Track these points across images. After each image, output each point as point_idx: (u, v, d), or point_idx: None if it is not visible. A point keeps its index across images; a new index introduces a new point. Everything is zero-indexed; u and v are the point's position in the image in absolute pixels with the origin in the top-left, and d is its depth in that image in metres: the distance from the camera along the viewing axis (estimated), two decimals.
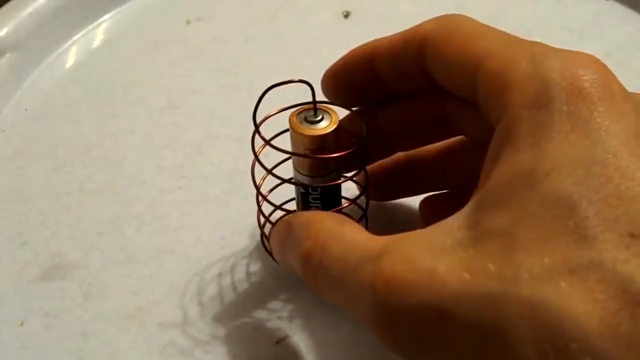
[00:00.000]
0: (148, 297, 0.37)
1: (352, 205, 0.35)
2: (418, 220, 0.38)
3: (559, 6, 0.50)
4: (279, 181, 0.34)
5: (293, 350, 0.35)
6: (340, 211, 0.36)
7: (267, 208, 0.36)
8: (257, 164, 0.34)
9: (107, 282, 0.37)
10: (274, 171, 0.34)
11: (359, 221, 0.36)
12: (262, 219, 0.36)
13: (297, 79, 0.32)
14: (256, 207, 0.36)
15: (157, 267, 0.38)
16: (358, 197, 0.35)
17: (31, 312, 0.36)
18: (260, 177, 0.35)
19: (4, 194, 0.42)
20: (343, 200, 0.35)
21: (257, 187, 0.35)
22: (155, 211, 0.40)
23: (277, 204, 0.35)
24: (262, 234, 0.37)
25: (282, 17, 0.51)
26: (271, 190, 0.35)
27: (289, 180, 0.34)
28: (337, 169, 0.34)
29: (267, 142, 0.33)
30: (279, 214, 0.36)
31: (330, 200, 0.35)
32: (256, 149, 0.33)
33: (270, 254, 0.37)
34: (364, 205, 0.36)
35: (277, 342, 0.35)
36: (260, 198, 0.35)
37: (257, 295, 0.37)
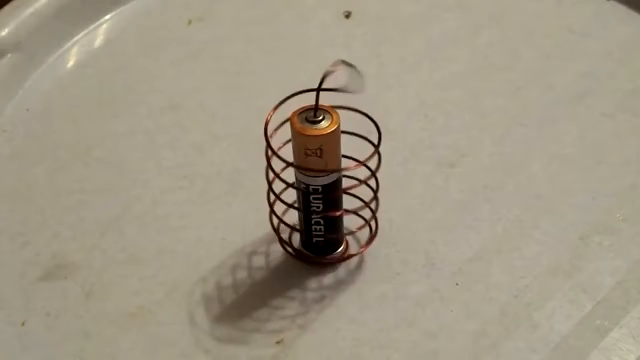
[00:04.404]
0: (149, 297, 0.37)
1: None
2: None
3: (560, 6, 0.50)
4: (288, 169, 0.34)
5: (293, 350, 0.35)
6: (340, 200, 0.36)
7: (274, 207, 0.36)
8: (268, 151, 0.34)
9: (108, 282, 0.38)
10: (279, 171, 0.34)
11: (370, 220, 0.36)
12: (272, 197, 0.36)
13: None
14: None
15: (159, 267, 0.38)
16: (371, 201, 0.36)
17: (32, 312, 0.37)
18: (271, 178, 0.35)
19: (5, 194, 0.42)
20: (354, 201, 0.36)
21: (270, 182, 0.35)
22: (157, 211, 0.40)
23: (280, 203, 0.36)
24: (272, 212, 0.37)
25: (283, 17, 0.51)
26: (283, 191, 0.35)
27: (292, 185, 0.35)
28: (339, 169, 0.34)
29: (275, 153, 0.33)
30: (282, 207, 0.36)
31: (331, 200, 0.35)
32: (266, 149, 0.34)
33: (279, 239, 0.37)
34: (374, 207, 0.36)
35: (277, 342, 0.35)
36: (271, 197, 0.35)
37: (257, 295, 0.37)
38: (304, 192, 0.34)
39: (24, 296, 0.37)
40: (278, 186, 0.35)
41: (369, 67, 0.47)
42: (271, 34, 0.49)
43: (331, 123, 0.32)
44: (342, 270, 0.37)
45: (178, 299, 0.37)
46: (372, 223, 0.37)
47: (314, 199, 0.35)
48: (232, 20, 0.51)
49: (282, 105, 0.34)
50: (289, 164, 0.34)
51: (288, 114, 0.33)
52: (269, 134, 0.33)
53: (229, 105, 0.45)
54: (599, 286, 0.36)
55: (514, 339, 0.35)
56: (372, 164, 0.34)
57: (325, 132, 0.32)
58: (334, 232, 0.36)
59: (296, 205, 0.36)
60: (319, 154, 0.33)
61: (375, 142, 0.34)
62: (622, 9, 0.49)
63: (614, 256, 0.37)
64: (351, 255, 0.37)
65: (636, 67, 0.46)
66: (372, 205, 0.36)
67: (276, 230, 0.37)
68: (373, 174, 0.35)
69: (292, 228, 0.37)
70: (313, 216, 0.35)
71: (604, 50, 0.47)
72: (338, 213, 0.36)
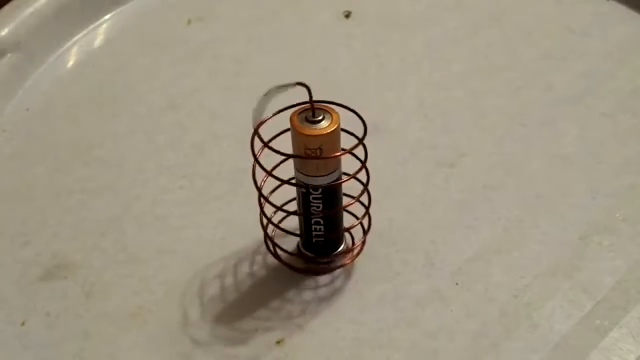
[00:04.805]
0: (149, 297, 0.37)
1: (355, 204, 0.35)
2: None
3: (560, 6, 0.50)
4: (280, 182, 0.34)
5: (293, 350, 0.35)
6: (341, 210, 0.36)
7: (269, 209, 0.36)
8: (258, 166, 0.34)
9: (108, 282, 0.38)
10: (276, 172, 0.34)
11: (362, 218, 0.36)
12: (265, 221, 0.36)
13: (293, 83, 0.31)
14: (258, 208, 0.36)
15: (159, 267, 0.38)
16: (361, 194, 0.35)
17: (33, 312, 0.37)
18: (262, 178, 0.35)
19: (6, 194, 0.42)
20: (346, 199, 0.36)
21: (259, 189, 0.35)
22: (157, 211, 0.40)
23: (279, 204, 0.35)
24: (266, 235, 0.37)
25: (283, 17, 0.51)
26: (273, 191, 0.35)
27: (289, 182, 0.34)
28: (339, 169, 0.34)
29: (266, 145, 0.33)
30: (282, 215, 0.36)
31: (331, 200, 0.35)
32: (257, 151, 0.34)
33: (273, 254, 0.37)
34: (366, 203, 0.36)
35: (278, 343, 0.35)
36: (262, 200, 0.35)
37: (257, 295, 0.37)
38: (304, 193, 0.34)
39: (24, 296, 0.37)
40: (268, 191, 0.35)
41: (369, 67, 0.47)
42: (271, 34, 0.49)
43: (331, 123, 0.32)
44: (342, 270, 0.37)
45: (178, 299, 0.37)
46: (366, 222, 0.37)
47: (314, 199, 0.34)
48: (232, 20, 0.51)
49: (277, 104, 0.34)
50: (286, 156, 0.34)
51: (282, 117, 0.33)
52: (257, 153, 0.33)
53: (229, 105, 0.45)
54: (599, 286, 0.36)
55: (514, 339, 0.35)
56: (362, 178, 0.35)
57: (325, 132, 0.32)
58: (334, 231, 0.36)
59: (297, 210, 0.36)
60: (319, 154, 0.33)
61: (365, 140, 0.34)
62: (622, 9, 0.49)
63: (614, 256, 0.37)
64: (341, 265, 0.37)
65: (636, 67, 0.46)
66: (365, 200, 0.36)
67: (275, 255, 0.37)
68: (363, 165, 0.34)
69: (289, 254, 0.37)
70: (313, 217, 0.35)
71: (604, 50, 0.47)
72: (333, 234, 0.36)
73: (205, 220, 0.40)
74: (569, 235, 0.38)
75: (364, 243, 0.37)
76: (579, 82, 0.45)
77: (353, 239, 0.37)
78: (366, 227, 0.37)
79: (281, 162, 0.34)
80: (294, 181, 0.35)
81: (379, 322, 0.36)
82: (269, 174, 0.34)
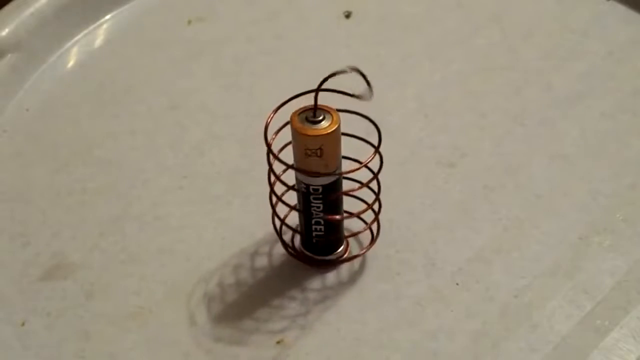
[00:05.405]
0: (149, 297, 0.37)
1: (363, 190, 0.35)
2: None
3: (560, 6, 0.50)
4: (290, 171, 0.34)
5: (294, 350, 0.35)
6: (340, 200, 0.36)
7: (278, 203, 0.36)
8: (270, 154, 0.34)
9: (108, 282, 0.38)
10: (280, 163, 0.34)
11: (372, 204, 0.36)
12: (275, 199, 0.36)
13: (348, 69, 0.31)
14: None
15: (159, 267, 0.38)
16: (370, 180, 0.35)
17: (33, 312, 0.37)
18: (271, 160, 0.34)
19: (5, 194, 0.42)
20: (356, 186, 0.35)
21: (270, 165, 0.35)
22: (157, 211, 0.40)
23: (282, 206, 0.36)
24: (275, 213, 0.36)
25: (284, 17, 0.51)
26: (283, 171, 0.35)
27: (290, 167, 0.34)
28: (339, 168, 0.34)
29: (276, 157, 0.33)
30: (284, 213, 0.36)
31: (331, 200, 0.35)
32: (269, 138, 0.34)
33: (282, 241, 0.37)
34: (376, 188, 0.36)
35: (278, 342, 0.35)
36: (272, 178, 0.35)
37: (258, 295, 0.37)
38: (304, 193, 0.34)
39: (24, 296, 0.37)
40: (280, 187, 0.35)
41: (369, 67, 0.47)
42: (271, 34, 0.49)
43: (331, 123, 0.32)
44: (342, 270, 0.37)
45: (178, 299, 0.37)
46: (374, 225, 0.37)
47: (314, 199, 0.35)
48: (232, 20, 0.51)
49: (283, 107, 0.34)
50: (289, 167, 0.34)
51: (288, 115, 0.33)
52: (269, 137, 0.33)
53: (229, 105, 0.45)
54: (599, 286, 0.36)
55: (514, 339, 0.35)
56: (373, 165, 0.34)
57: (325, 132, 0.32)
58: (335, 232, 0.36)
59: (297, 206, 0.36)
60: (319, 154, 0.33)
61: (376, 144, 0.34)
62: (622, 9, 0.49)
63: (614, 256, 0.37)
64: (353, 257, 0.37)
65: (636, 67, 0.46)
66: (375, 208, 0.36)
67: (279, 233, 0.37)
68: (375, 176, 0.35)
69: (295, 230, 0.37)
70: (313, 216, 0.35)
71: (604, 50, 0.47)
72: (338, 217, 0.36)
73: (206, 220, 0.40)
74: (569, 235, 0.38)
75: (378, 227, 0.37)
76: (579, 82, 0.45)
77: (367, 224, 0.37)
78: (375, 231, 0.37)
79: (283, 147, 0.34)
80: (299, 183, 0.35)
81: (379, 321, 0.36)
82: (278, 178, 0.34)
